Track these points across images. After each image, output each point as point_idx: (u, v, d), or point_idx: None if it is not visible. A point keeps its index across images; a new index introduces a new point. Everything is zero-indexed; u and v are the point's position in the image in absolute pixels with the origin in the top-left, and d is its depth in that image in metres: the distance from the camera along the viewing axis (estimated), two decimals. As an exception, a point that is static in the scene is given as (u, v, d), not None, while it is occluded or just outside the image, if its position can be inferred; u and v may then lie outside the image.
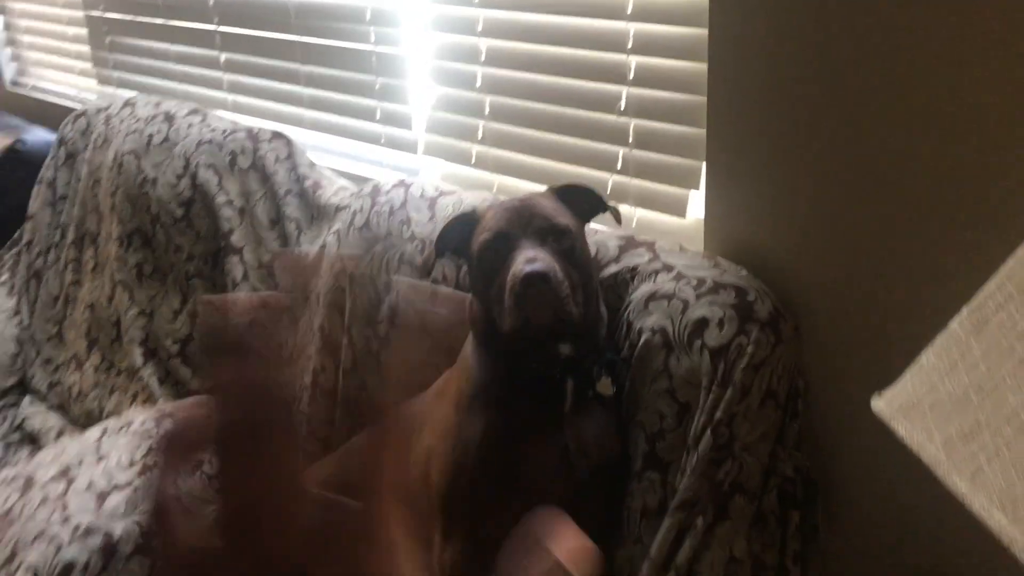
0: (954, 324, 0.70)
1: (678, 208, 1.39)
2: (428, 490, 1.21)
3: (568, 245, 1.17)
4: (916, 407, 0.72)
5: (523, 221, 1.17)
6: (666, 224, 1.41)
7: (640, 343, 1.21)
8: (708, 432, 1.12)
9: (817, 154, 1.18)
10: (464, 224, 1.24)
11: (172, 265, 1.89)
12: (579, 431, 1.19)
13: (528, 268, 1.09)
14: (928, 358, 0.72)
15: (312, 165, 1.81)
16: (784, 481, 1.20)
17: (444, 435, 1.21)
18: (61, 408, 2.05)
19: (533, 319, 1.11)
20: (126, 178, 1.94)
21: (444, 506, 1.18)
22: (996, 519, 0.61)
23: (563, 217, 1.19)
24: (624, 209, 1.45)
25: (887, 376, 0.90)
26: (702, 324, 1.17)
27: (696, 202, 1.38)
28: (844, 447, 1.28)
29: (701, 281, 1.20)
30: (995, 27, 0.99)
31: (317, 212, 1.72)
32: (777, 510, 1.21)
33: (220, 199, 1.81)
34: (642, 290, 1.25)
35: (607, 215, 1.26)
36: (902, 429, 0.72)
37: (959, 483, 0.65)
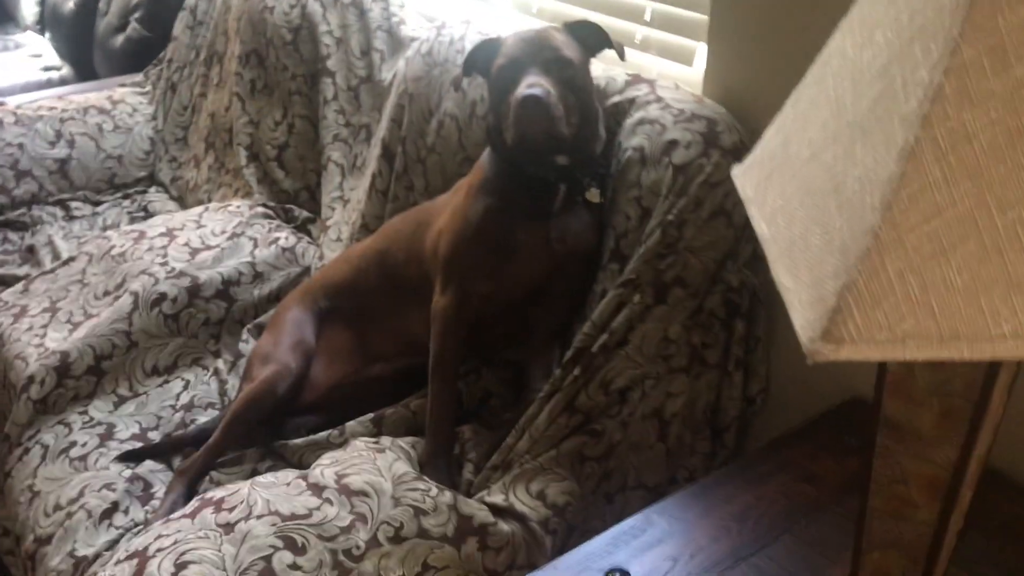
0: (785, 105, 0.91)
1: (687, 58, 1.59)
2: (435, 257, 1.50)
3: (569, 74, 1.39)
4: (750, 167, 0.93)
5: (534, 50, 1.40)
6: (678, 75, 1.61)
7: (624, 159, 1.45)
8: (658, 230, 1.35)
9: (803, 19, 1.35)
10: (488, 48, 1.47)
11: (279, 82, 2.20)
12: (563, 225, 1.44)
13: (527, 91, 1.33)
14: (766, 131, 0.93)
15: (403, 6, 2.07)
16: (729, 290, 1.42)
17: (453, 214, 1.49)
18: (180, 199, 2.44)
19: (528, 133, 1.35)
20: (250, 5, 2.26)
21: (445, 264, 1.46)
22: (761, 228, 0.83)
23: (569, 50, 1.41)
24: (648, 58, 1.66)
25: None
26: (672, 145, 1.38)
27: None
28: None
29: (681, 111, 1.41)
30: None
31: (398, 44, 1.99)
32: (722, 315, 1.43)
33: (322, 28, 2.11)
34: (635, 116, 1.47)
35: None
36: (737, 182, 0.94)
37: (753, 210, 0.87)
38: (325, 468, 1.26)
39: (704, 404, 1.46)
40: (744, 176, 0.94)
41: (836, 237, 0.70)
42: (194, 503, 1.24)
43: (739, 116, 1.44)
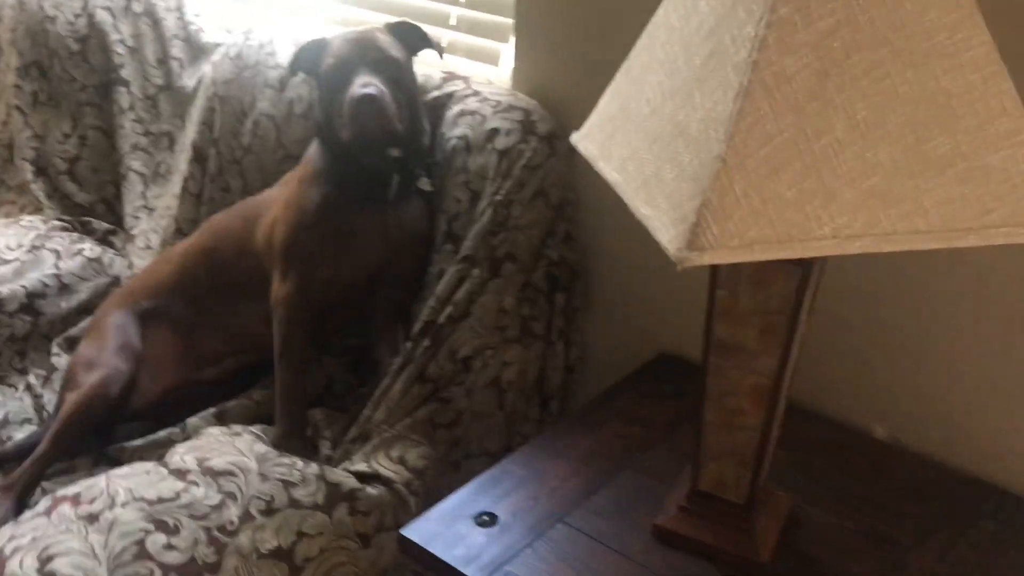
0: (617, 74, 1.05)
1: (492, 59, 1.72)
2: (271, 248, 1.53)
3: (397, 74, 1.48)
4: (589, 132, 1.07)
5: (362, 51, 1.47)
6: (486, 75, 1.74)
7: (449, 148, 1.55)
8: (489, 210, 1.47)
9: (599, 20, 1.52)
10: (315, 49, 1.53)
11: (66, 94, 2.12)
12: (398, 212, 1.52)
13: (362, 91, 1.40)
14: (601, 100, 1.07)
15: (199, 15, 2.07)
16: (550, 265, 1.56)
17: (287, 205, 1.52)
18: (-48, 222, 2.27)
19: (365, 130, 1.43)
20: (28, 15, 2.15)
21: (284, 253, 1.49)
22: (612, 175, 0.96)
23: (395, 50, 1.50)
24: (456, 61, 1.78)
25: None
26: (494, 133, 1.51)
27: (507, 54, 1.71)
28: (603, 250, 1.64)
29: (499, 103, 1.54)
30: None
31: (199, 51, 1.98)
32: (545, 289, 1.57)
33: (113, 37, 2.06)
34: (455, 109, 1.58)
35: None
36: (579, 146, 1.07)
37: (600, 164, 1.00)
38: (184, 455, 1.26)
39: (533, 374, 1.59)
40: (585, 140, 1.07)
41: (688, 169, 0.84)
42: (45, 503, 1.20)
43: (548, 107, 1.59)
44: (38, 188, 2.10)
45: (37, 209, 2.09)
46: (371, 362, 1.56)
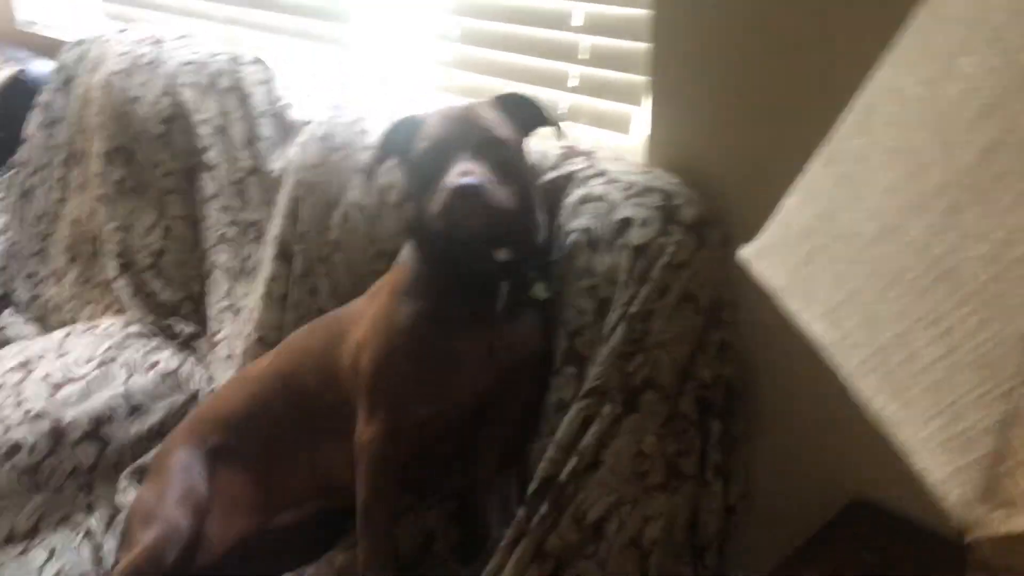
0: (811, 165, 0.72)
1: (622, 125, 1.40)
2: (356, 377, 1.24)
3: (505, 157, 1.18)
4: (771, 247, 0.73)
5: (462, 131, 1.18)
6: (615, 145, 1.43)
7: (569, 244, 1.24)
8: (622, 324, 1.14)
9: (755, 75, 1.19)
10: (407, 128, 1.25)
11: (150, 181, 1.93)
12: (507, 330, 1.21)
13: (460, 181, 1.11)
14: (786, 202, 0.73)
15: (289, 87, 1.84)
16: (701, 387, 1.21)
17: (375, 323, 1.24)
18: (39, 320, 2.10)
19: (463, 227, 1.13)
20: (113, 97, 1.99)
21: (370, 385, 1.20)
22: (815, 329, 0.63)
23: (503, 129, 1.20)
24: (579, 129, 1.47)
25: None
26: (626, 224, 1.18)
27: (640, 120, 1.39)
28: (773, 362, 1.29)
29: (631, 184, 1.22)
30: None
31: (288, 129, 1.75)
32: (695, 416, 1.22)
33: (198, 117, 1.85)
34: (575, 195, 1.27)
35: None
36: (757, 268, 0.73)
37: (793, 304, 0.66)
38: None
39: (683, 522, 1.24)
40: (763, 260, 0.73)
41: (967, 345, 0.49)
42: None
43: (694, 186, 1.25)
44: (121, 286, 1.91)
45: (120, 309, 1.90)
46: (475, 516, 1.25)
